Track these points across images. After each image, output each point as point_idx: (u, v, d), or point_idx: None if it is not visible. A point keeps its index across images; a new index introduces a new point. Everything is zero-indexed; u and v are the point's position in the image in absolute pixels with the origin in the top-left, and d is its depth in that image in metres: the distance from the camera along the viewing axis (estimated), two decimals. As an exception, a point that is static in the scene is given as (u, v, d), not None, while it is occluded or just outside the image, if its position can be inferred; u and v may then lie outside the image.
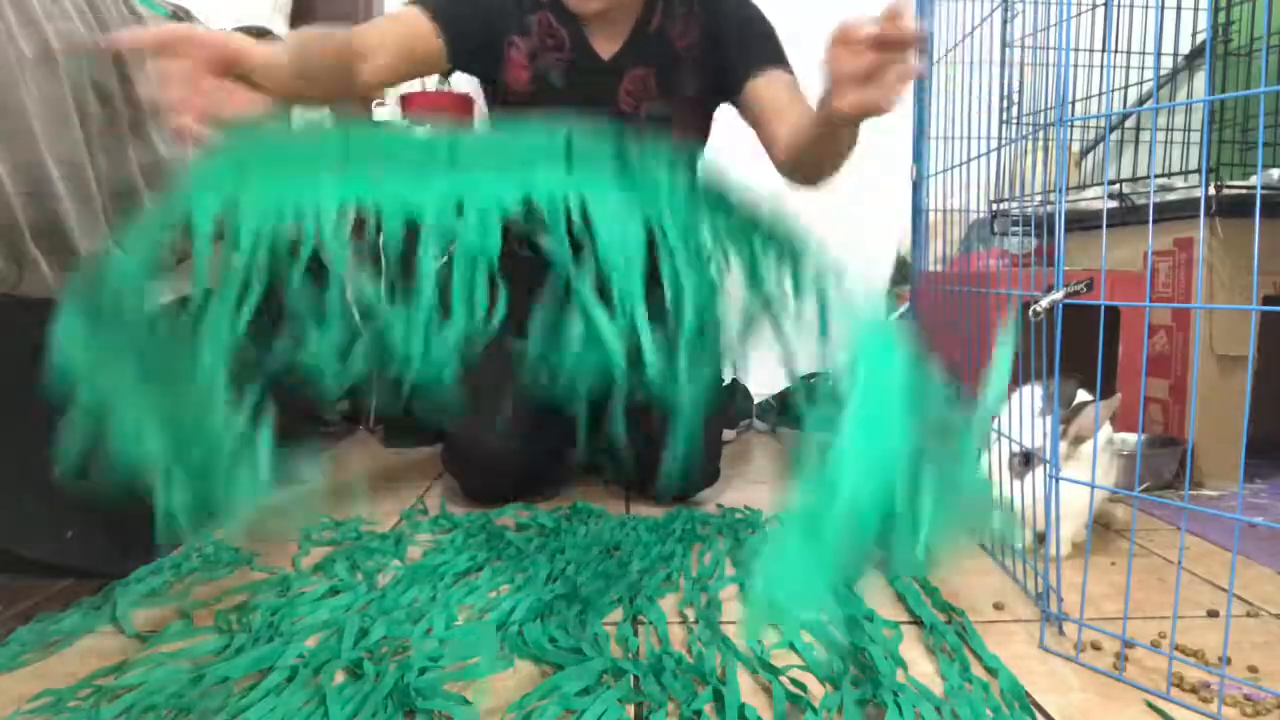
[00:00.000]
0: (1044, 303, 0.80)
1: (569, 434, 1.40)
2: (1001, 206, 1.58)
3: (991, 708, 0.65)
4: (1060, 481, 0.80)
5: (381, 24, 1.13)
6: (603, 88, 1.25)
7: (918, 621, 0.82)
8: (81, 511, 0.86)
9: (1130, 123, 1.79)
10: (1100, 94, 1.63)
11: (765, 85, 1.22)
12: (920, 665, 0.73)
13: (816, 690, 0.68)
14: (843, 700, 0.65)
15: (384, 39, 1.10)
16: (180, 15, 1.13)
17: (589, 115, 1.15)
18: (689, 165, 1.42)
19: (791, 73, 1.24)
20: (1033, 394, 0.97)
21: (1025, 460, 0.96)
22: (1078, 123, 1.79)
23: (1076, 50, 1.40)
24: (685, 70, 1.26)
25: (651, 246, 0.68)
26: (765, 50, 1.25)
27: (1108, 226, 0.84)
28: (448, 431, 1.30)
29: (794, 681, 0.68)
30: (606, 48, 1.24)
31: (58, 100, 0.80)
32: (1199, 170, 1.52)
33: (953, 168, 1.24)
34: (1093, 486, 0.79)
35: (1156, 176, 1.23)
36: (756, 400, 1.93)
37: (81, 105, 0.83)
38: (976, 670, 0.71)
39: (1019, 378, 1.00)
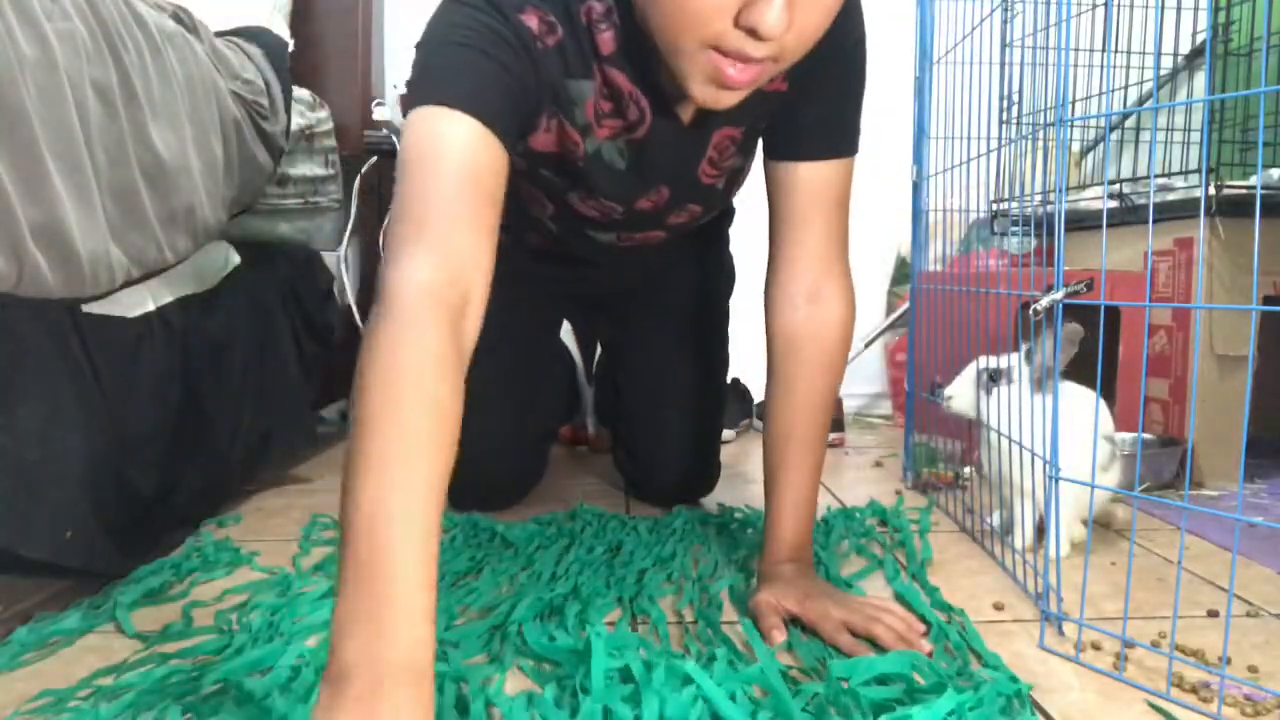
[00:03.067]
0: (1043, 302, 0.80)
1: (552, 426, 1.39)
2: (1001, 206, 1.58)
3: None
4: (1056, 464, 0.80)
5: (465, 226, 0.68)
6: (681, 161, 0.93)
7: (919, 622, 0.82)
8: (81, 511, 0.87)
9: (1130, 123, 1.79)
10: (1100, 94, 1.63)
11: (809, 173, 0.91)
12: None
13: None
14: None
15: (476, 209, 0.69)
16: (180, 16, 1.13)
17: (659, 193, 0.93)
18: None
19: (850, 166, 0.94)
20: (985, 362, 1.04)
21: (993, 377, 1.02)
22: (1078, 123, 1.79)
23: (1076, 50, 1.40)
24: (767, 119, 0.93)
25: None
26: (834, 144, 0.92)
27: (1107, 226, 0.85)
28: None
29: (791, 680, 0.68)
30: (688, 108, 0.87)
31: (58, 100, 0.80)
32: (1199, 170, 1.52)
33: (953, 168, 1.24)
34: (1093, 487, 0.79)
35: (1156, 176, 1.23)
36: (756, 400, 1.93)
37: (81, 105, 0.83)
38: (976, 669, 0.71)
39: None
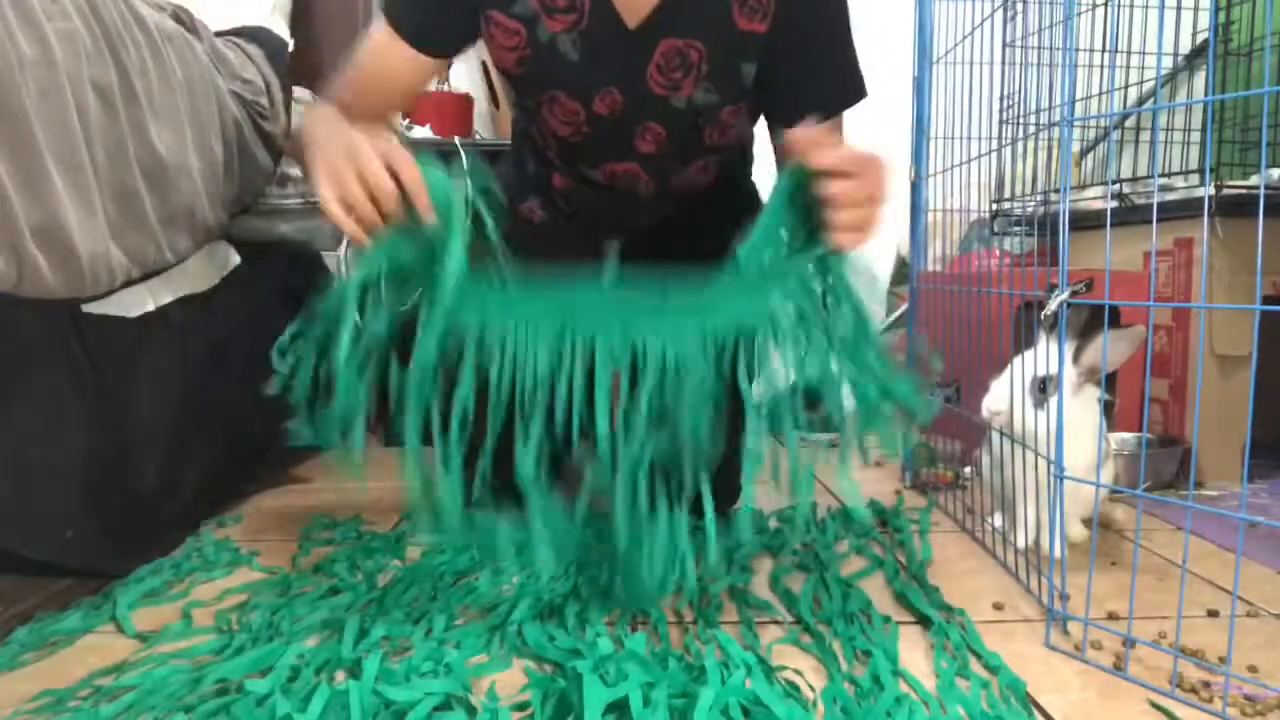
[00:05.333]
0: (1053, 305, 0.80)
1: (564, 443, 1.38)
2: (1001, 206, 1.58)
3: (990, 704, 0.65)
4: (1060, 450, 0.80)
5: (376, 76, 1.00)
6: (627, 64, 0.99)
7: (921, 621, 0.82)
8: (81, 511, 0.86)
9: (1129, 123, 1.79)
10: (1101, 94, 1.63)
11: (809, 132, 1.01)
12: (921, 664, 0.73)
13: (814, 683, 0.68)
14: (837, 696, 0.65)
15: (387, 95, 1.02)
16: (180, 16, 1.13)
17: (611, 95, 1.00)
18: (740, 164, 1.23)
19: (841, 122, 1.05)
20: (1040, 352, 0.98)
21: (1042, 387, 0.95)
22: (1079, 123, 1.79)
23: (1077, 50, 1.40)
24: (745, 58, 1.00)
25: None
26: (838, 94, 1.03)
27: (1106, 227, 0.85)
28: None
29: (789, 684, 0.68)
30: (633, 12, 0.97)
31: (58, 100, 0.79)
32: (1199, 170, 1.52)
33: (953, 168, 1.24)
34: (1098, 486, 0.79)
35: (1157, 176, 1.23)
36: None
37: (81, 105, 0.83)
38: (977, 668, 0.71)
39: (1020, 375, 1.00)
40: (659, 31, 0.97)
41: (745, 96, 1.03)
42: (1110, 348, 0.93)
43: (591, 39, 0.98)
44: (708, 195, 1.17)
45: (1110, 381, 1.41)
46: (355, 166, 0.76)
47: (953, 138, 1.25)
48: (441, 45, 1.00)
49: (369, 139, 0.77)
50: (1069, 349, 0.97)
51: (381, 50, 0.99)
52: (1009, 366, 1.00)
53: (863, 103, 1.10)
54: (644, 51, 0.98)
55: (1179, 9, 1.58)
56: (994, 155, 1.16)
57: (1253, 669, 0.73)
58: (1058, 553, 0.90)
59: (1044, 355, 0.96)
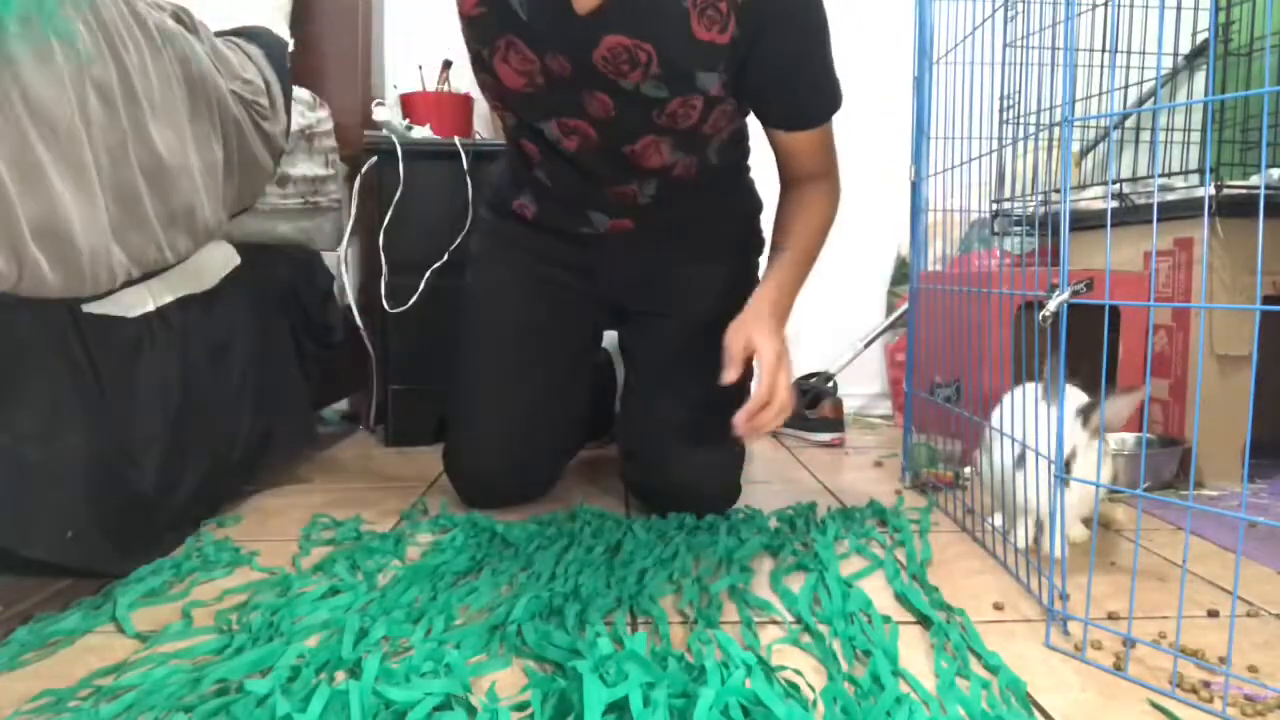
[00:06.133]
0: (1051, 305, 0.80)
1: (566, 439, 1.39)
2: (1001, 206, 1.58)
3: (990, 704, 0.65)
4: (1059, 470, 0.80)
5: None
6: (573, 41, 0.99)
7: (921, 621, 0.82)
8: (81, 511, 0.86)
9: (1129, 123, 1.79)
10: (1100, 94, 1.63)
11: (796, 139, 1.09)
12: (921, 664, 0.73)
13: (813, 683, 0.68)
14: (837, 696, 0.65)
15: None
16: (180, 16, 1.13)
17: (559, 60, 1.00)
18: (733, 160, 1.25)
19: (829, 123, 1.10)
20: (1035, 392, 0.97)
21: (1022, 458, 0.95)
22: (1080, 123, 1.79)
23: (1077, 50, 1.40)
24: (703, 67, 1.00)
25: None
26: (816, 108, 1.07)
27: (1106, 226, 0.85)
28: (446, 442, 1.30)
29: (790, 684, 0.68)
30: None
31: (59, 100, 0.79)
32: (1199, 170, 1.52)
33: (953, 168, 1.24)
34: (1098, 486, 0.79)
35: (1157, 176, 1.23)
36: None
37: (82, 105, 0.83)
38: (977, 668, 0.71)
39: (1021, 376, 1.00)
40: (606, 25, 0.97)
41: (696, 94, 1.04)
42: (1109, 408, 0.94)
43: (540, 6, 0.98)
44: (699, 195, 1.18)
45: (1110, 381, 1.41)
46: None
47: (953, 138, 1.25)
48: None
49: None
50: (1077, 417, 0.96)
51: None
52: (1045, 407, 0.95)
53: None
54: (590, 38, 0.98)
55: (1179, 9, 1.58)
56: (994, 155, 1.16)
57: (1253, 669, 0.73)
58: (1058, 553, 0.90)
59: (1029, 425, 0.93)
